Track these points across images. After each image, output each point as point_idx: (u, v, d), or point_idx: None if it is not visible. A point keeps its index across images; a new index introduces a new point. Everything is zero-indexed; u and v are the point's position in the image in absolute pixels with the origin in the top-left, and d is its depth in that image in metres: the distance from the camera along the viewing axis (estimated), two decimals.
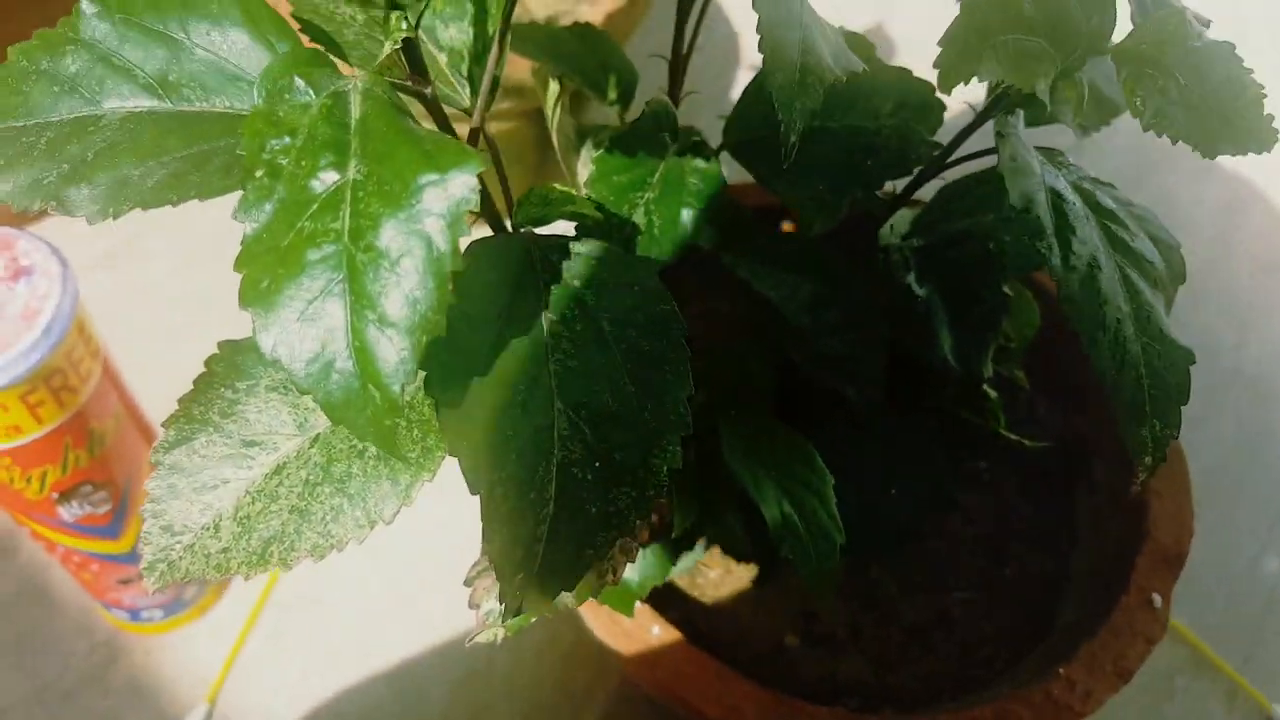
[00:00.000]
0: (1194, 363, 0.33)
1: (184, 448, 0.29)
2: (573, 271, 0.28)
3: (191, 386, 0.29)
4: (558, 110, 0.36)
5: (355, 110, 0.24)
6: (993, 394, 0.41)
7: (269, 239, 0.23)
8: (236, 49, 0.28)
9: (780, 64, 0.28)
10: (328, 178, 0.23)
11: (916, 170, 0.38)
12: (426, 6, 0.27)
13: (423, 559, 0.55)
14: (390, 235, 0.22)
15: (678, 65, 0.36)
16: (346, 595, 0.54)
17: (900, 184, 0.40)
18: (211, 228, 0.69)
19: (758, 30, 0.28)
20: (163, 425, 0.29)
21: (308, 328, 0.22)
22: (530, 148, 0.55)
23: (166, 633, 0.52)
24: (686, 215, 0.34)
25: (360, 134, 0.24)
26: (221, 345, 0.30)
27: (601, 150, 0.33)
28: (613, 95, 0.37)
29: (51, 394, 0.39)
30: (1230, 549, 0.59)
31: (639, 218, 0.33)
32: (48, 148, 0.27)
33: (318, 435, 0.29)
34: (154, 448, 0.29)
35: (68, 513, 0.44)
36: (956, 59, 0.29)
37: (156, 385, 0.49)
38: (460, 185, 0.22)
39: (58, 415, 0.40)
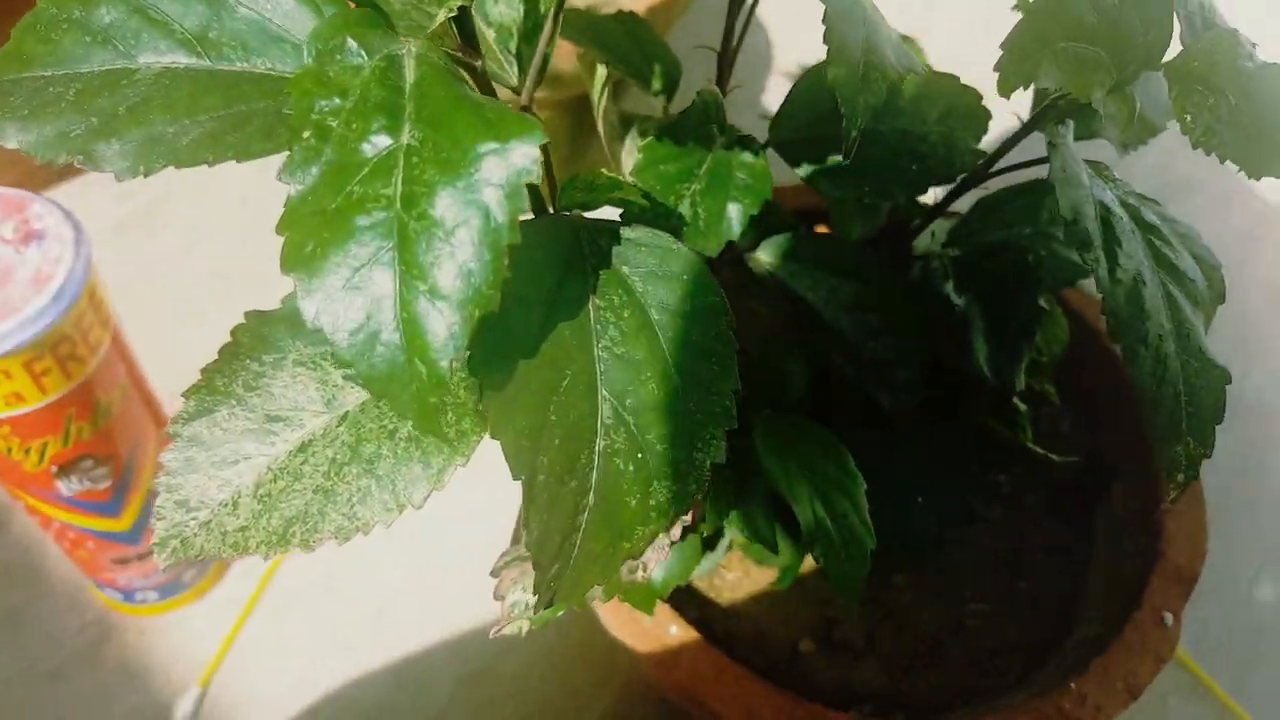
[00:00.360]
0: (1229, 383, 0.32)
1: (204, 420, 0.27)
2: (622, 257, 0.27)
3: (216, 356, 0.27)
4: (604, 96, 0.34)
5: (410, 74, 0.23)
6: (1022, 407, 0.40)
7: (315, 202, 0.22)
8: (282, 9, 0.27)
9: (844, 58, 0.27)
10: (380, 141, 0.22)
11: (959, 179, 0.37)
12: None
13: (441, 547, 0.54)
14: (446, 204, 0.21)
15: (726, 58, 0.35)
16: (357, 581, 0.53)
17: (940, 193, 0.39)
18: (229, 200, 0.67)
19: (824, 21, 0.27)
20: (183, 395, 0.27)
21: (354, 296, 0.21)
22: (563, 138, 0.54)
23: (161, 615, 0.51)
24: (733, 210, 0.32)
25: (416, 98, 0.22)
26: (249, 315, 0.28)
27: (650, 138, 0.32)
28: (658, 85, 0.36)
29: (58, 363, 0.37)
30: (1227, 575, 0.58)
31: (685, 209, 0.32)
32: (76, 99, 0.26)
33: (346, 414, 0.28)
34: (173, 419, 0.27)
35: (66, 487, 0.42)
36: (1018, 62, 0.28)
37: (165, 359, 0.47)
38: (522, 155, 0.21)
39: (62, 385, 0.38)
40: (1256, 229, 0.76)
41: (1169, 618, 0.42)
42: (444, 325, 0.21)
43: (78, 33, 0.27)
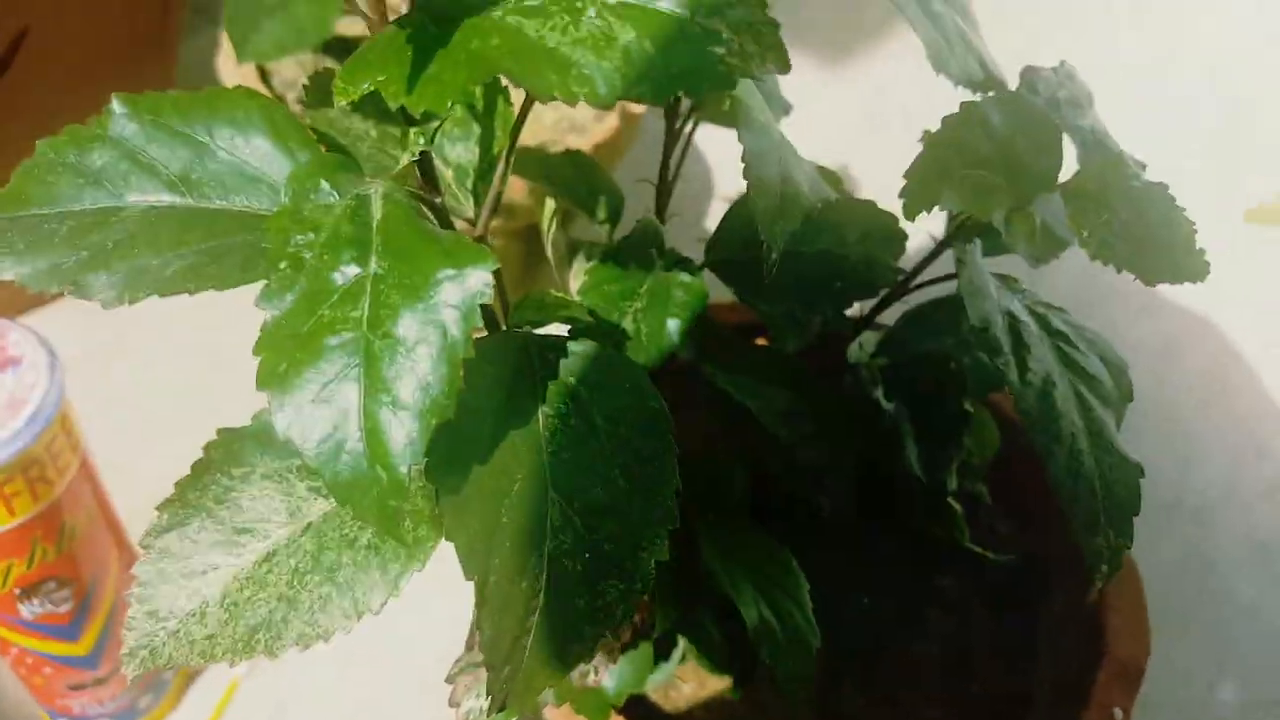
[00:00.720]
0: (1143, 476, 0.35)
1: (176, 532, 0.29)
2: (569, 369, 0.29)
3: (187, 472, 0.30)
4: (553, 225, 0.38)
5: (377, 211, 0.26)
6: (957, 508, 0.42)
7: (289, 326, 0.24)
8: (258, 154, 0.30)
9: (763, 190, 0.30)
10: (349, 271, 0.25)
11: (882, 293, 0.41)
12: (440, 125, 0.29)
13: (393, 666, 0.54)
14: (408, 324, 0.24)
15: (664, 190, 0.39)
16: (313, 709, 0.53)
17: (867, 307, 0.42)
18: (190, 331, 0.70)
19: (743, 160, 0.30)
20: (157, 509, 0.29)
21: (322, 409, 0.24)
22: (516, 264, 0.57)
23: None
24: (672, 325, 0.36)
25: (382, 232, 0.25)
26: (220, 432, 0.31)
27: (594, 262, 0.35)
28: (602, 215, 0.39)
29: (28, 485, 0.39)
30: (1184, 678, 0.60)
31: (628, 325, 0.35)
32: (69, 235, 0.29)
33: (309, 524, 0.30)
34: (146, 531, 0.29)
35: (28, 610, 0.43)
36: (920, 189, 0.32)
37: (126, 483, 0.49)
38: (477, 279, 0.24)
39: (30, 507, 0.40)
40: (1181, 335, 0.81)
41: (1119, 713, 0.44)
42: (404, 433, 0.23)
43: (72, 175, 0.30)
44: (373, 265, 0.25)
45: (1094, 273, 0.84)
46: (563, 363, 0.29)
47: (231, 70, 0.61)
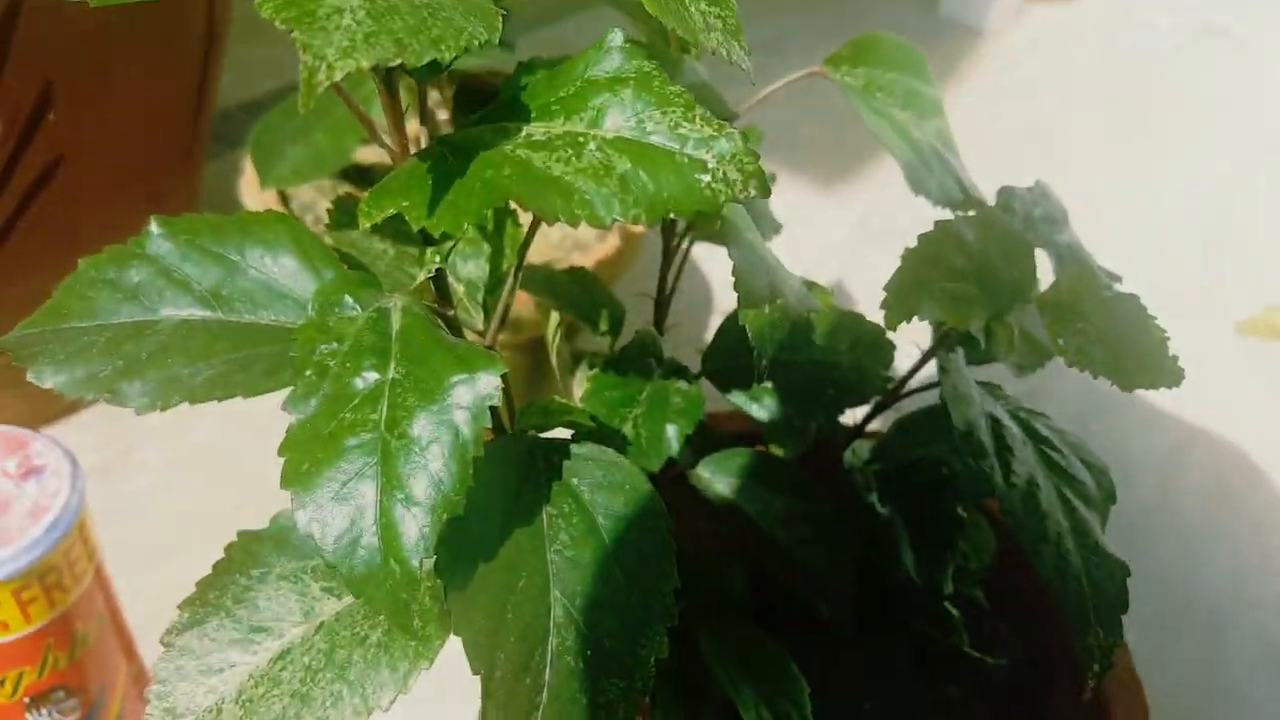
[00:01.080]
0: (1129, 574, 0.37)
1: (195, 631, 0.31)
2: (571, 470, 0.31)
3: (210, 571, 0.31)
4: (557, 336, 0.41)
5: (396, 323, 0.29)
6: (954, 612, 0.43)
7: (312, 428, 0.27)
8: (286, 271, 0.33)
9: (752, 301, 0.33)
10: (370, 377, 0.27)
11: (873, 401, 0.43)
12: (454, 246, 0.32)
13: None
14: (422, 425, 0.26)
15: (662, 302, 0.42)
16: None
17: (860, 414, 0.44)
18: (198, 448, 0.72)
19: (733, 274, 0.33)
20: (178, 607, 0.31)
21: (341, 506, 0.26)
22: (522, 375, 0.60)
23: None
24: (671, 431, 0.38)
25: (400, 342, 0.28)
26: (240, 534, 0.32)
27: (596, 370, 0.38)
28: (604, 327, 0.42)
29: (45, 591, 0.41)
30: None
31: (628, 430, 0.37)
32: (106, 346, 0.31)
33: (322, 623, 0.32)
34: (167, 629, 0.31)
35: None
36: (899, 301, 0.35)
37: (137, 593, 0.50)
38: (487, 384, 0.26)
39: (46, 614, 0.41)
40: (1183, 444, 0.83)
41: None
42: (416, 528, 0.25)
43: (111, 290, 0.32)
44: (391, 371, 0.27)
45: (1093, 385, 0.86)
46: (566, 464, 0.31)
47: (253, 193, 0.65)
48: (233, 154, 0.90)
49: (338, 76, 0.20)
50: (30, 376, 0.31)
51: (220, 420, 0.72)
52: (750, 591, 0.41)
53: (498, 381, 0.26)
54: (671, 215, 0.25)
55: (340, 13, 0.22)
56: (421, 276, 0.31)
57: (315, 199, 0.68)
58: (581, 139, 0.25)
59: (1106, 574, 0.37)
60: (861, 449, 0.45)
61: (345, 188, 0.66)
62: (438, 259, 0.31)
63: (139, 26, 0.57)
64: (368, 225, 0.27)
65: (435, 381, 0.26)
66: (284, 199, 0.67)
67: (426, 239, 0.31)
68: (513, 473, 0.31)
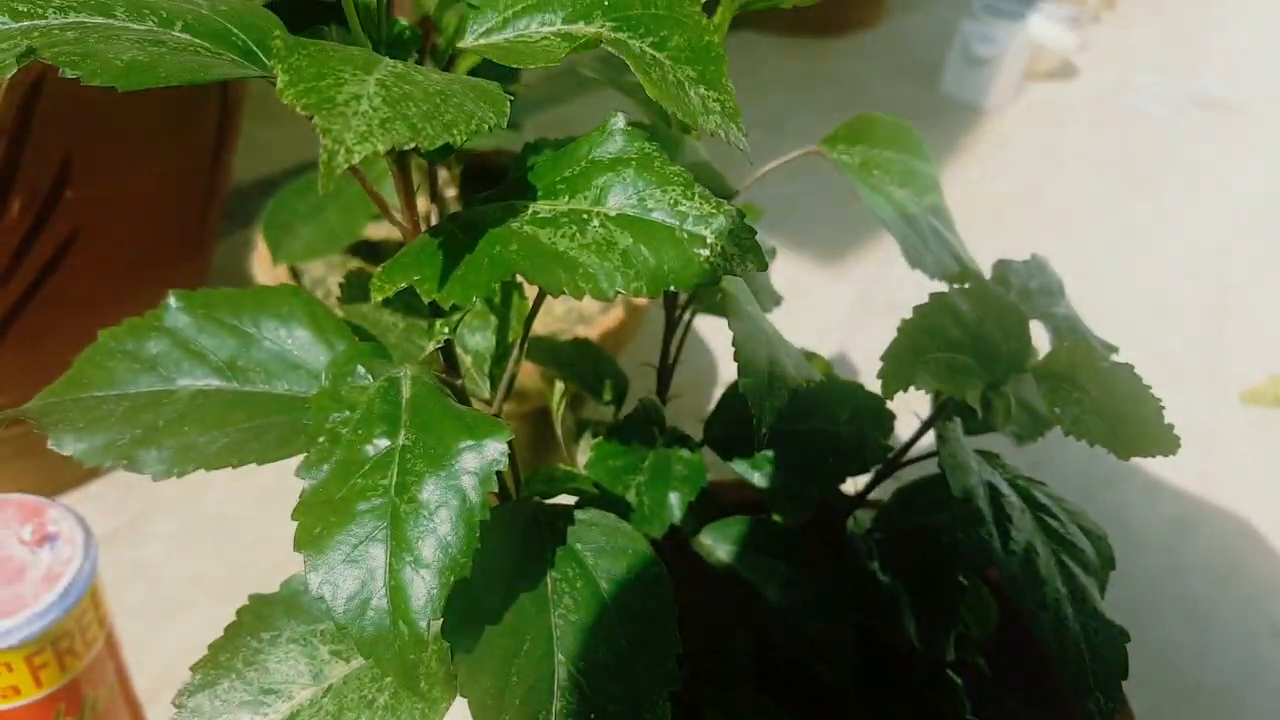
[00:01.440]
0: (1129, 640, 0.37)
1: (207, 693, 0.32)
2: (575, 535, 0.32)
3: (222, 633, 0.32)
4: (562, 405, 0.42)
5: (406, 392, 0.30)
6: (957, 679, 0.44)
7: (324, 493, 0.28)
8: (299, 343, 0.35)
9: (752, 370, 0.34)
10: (380, 444, 0.28)
11: (874, 470, 0.44)
12: (462, 318, 0.34)
13: None
14: (431, 489, 0.27)
15: (664, 373, 0.43)
16: None
17: (861, 483, 0.45)
18: (206, 517, 0.73)
19: (733, 344, 0.35)
20: (191, 669, 0.32)
21: (352, 569, 0.27)
22: (527, 446, 0.61)
23: None
24: (673, 498, 0.39)
25: (410, 410, 0.29)
26: (252, 598, 0.33)
27: (600, 439, 0.39)
28: (608, 396, 0.43)
29: (56, 657, 0.42)
30: None
31: (631, 497, 0.38)
32: (124, 415, 0.33)
33: (330, 685, 0.32)
34: (180, 690, 0.31)
35: None
36: (895, 370, 0.36)
37: (145, 658, 0.51)
38: (493, 450, 0.27)
39: (58, 679, 0.42)
40: (1186, 515, 0.83)
41: None
42: (424, 590, 0.26)
43: (129, 361, 0.34)
44: (401, 438, 0.28)
45: (1096, 456, 0.87)
46: (570, 530, 0.32)
47: (265, 269, 0.68)
48: (244, 230, 0.93)
49: (356, 160, 0.22)
50: (51, 444, 0.32)
51: (229, 491, 0.73)
52: (753, 658, 0.41)
53: (504, 448, 0.27)
54: (672, 288, 0.26)
55: (358, 99, 0.23)
56: (430, 347, 0.33)
57: (326, 274, 0.70)
58: (585, 216, 0.27)
59: (1106, 639, 0.37)
60: (863, 518, 0.46)
61: (355, 263, 0.68)
62: (446, 331, 0.32)
63: (156, 103, 0.59)
64: (379, 299, 0.28)
65: (444, 448, 0.28)
66: (295, 274, 0.70)
67: (436, 311, 0.32)
68: (518, 538, 0.32)
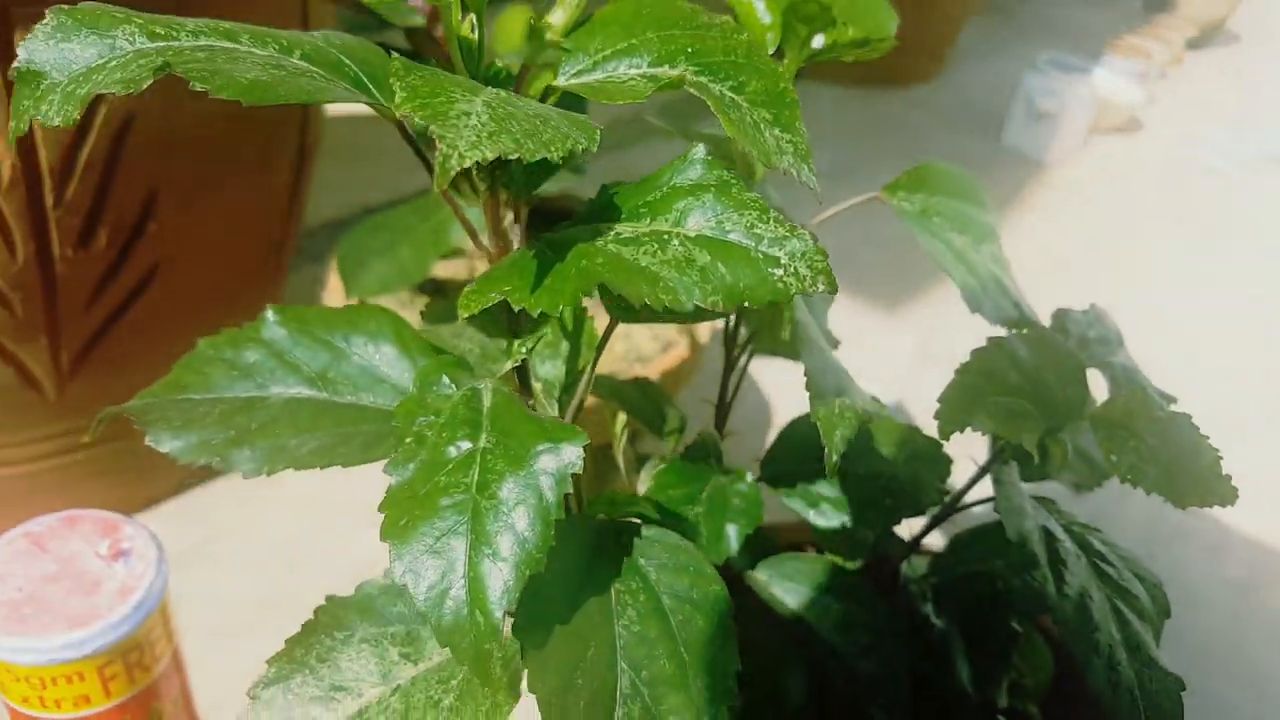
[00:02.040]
0: (1184, 689, 0.38)
1: (280, 686, 0.34)
2: (639, 550, 0.34)
3: (299, 629, 0.34)
4: (623, 438, 0.44)
5: (487, 400, 0.32)
6: None
7: (410, 489, 0.30)
8: (386, 359, 0.37)
9: (823, 400, 0.36)
10: (463, 445, 0.30)
11: (931, 513, 0.46)
12: (540, 339, 0.36)
13: None
14: (510, 488, 0.29)
15: (722, 409, 0.45)
16: None
17: (918, 527, 0.47)
18: (274, 540, 0.76)
19: (805, 374, 0.37)
20: (267, 663, 0.34)
21: (433, 559, 0.29)
22: (588, 476, 0.63)
23: None
24: (731, 530, 0.41)
25: (491, 416, 0.31)
26: (328, 599, 0.36)
27: (659, 468, 0.41)
28: (669, 427, 0.46)
29: (126, 669, 0.44)
30: None
31: (688, 531, 0.40)
32: (220, 417, 0.35)
33: (398, 686, 0.34)
34: (254, 683, 0.33)
35: None
36: (952, 413, 0.38)
37: (205, 678, 0.53)
38: (570, 453, 0.29)
39: (126, 690, 0.44)
40: (1252, 578, 0.81)
41: None
42: (501, 582, 0.28)
43: (226, 368, 0.37)
44: (483, 440, 0.30)
45: (1159, 513, 0.86)
46: (635, 543, 0.34)
47: (336, 302, 0.71)
48: (314, 267, 0.97)
49: (468, 163, 0.25)
50: (149, 440, 0.35)
51: (292, 516, 0.76)
52: (806, 696, 0.42)
53: (580, 452, 0.29)
54: (746, 303, 0.28)
55: (468, 115, 0.26)
56: (507, 366, 0.35)
57: (395, 308, 0.73)
58: (666, 236, 0.30)
59: (1161, 687, 0.38)
60: (919, 563, 0.47)
61: (421, 300, 0.71)
62: (524, 350, 0.35)
63: (239, 139, 0.63)
64: (465, 315, 0.31)
65: (523, 450, 0.30)
66: None
67: (515, 331, 0.35)
68: (585, 547, 0.34)
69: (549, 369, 0.42)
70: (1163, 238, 1.29)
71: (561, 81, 0.34)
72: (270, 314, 0.38)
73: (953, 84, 1.66)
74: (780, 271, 0.28)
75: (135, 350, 0.62)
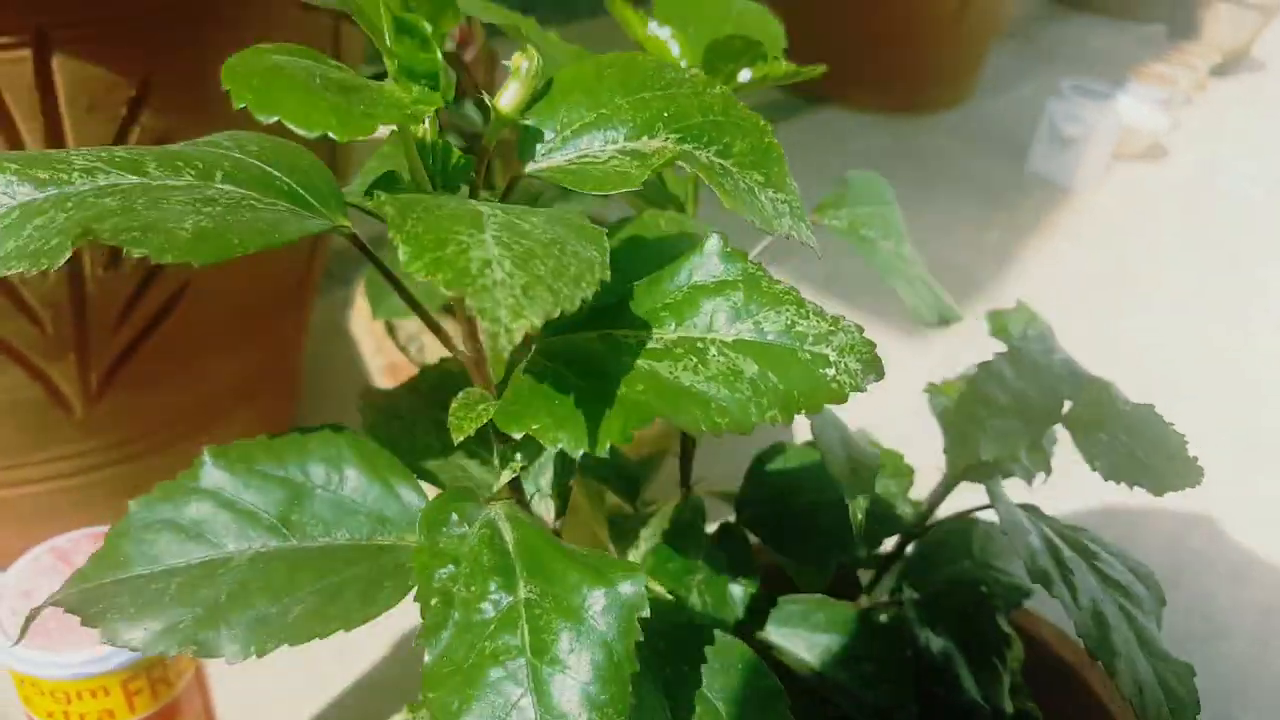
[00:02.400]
0: (1195, 675, 0.39)
1: None
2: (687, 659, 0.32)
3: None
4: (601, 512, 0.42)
5: (509, 536, 0.29)
6: None
7: (451, 661, 0.27)
8: (353, 486, 0.34)
9: (833, 458, 0.35)
10: (500, 599, 0.27)
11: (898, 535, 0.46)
12: (532, 461, 0.33)
13: None
14: (568, 646, 0.27)
15: (686, 463, 0.44)
16: None
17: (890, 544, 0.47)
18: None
19: (812, 432, 0.35)
20: None
21: None
22: None
23: None
24: (735, 591, 0.39)
25: (521, 557, 0.28)
26: None
27: (657, 543, 0.39)
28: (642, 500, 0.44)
29: (150, 684, 0.43)
30: None
31: (694, 600, 0.39)
32: (178, 593, 0.31)
33: None
34: None
35: None
36: (960, 447, 0.38)
37: (228, 699, 0.49)
38: (630, 591, 0.27)
39: (150, 706, 0.43)
40: (1275, 602, 0.80)
41: None
42: None
43: (169, 531, 0.32)
44: (522, 590, 0.28)
45: (1184, 542, 0.85)
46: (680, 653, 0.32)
47: (362, 324, 0.71)
48: (342, 289, 0.93)
49: (518, 339, 0.21)
50: (103, 638, 0.30)
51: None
52: None
53: (641, 589, 0.27)
54: (803, 412, 0.26)
55: (489, 265, 0.23)
56: (505, 478, 0.32)
57: (419, 330, 0.72)
58: (700, 345, 0.27)
59: (1175, 676, 0.39)
60: (886, 581, 0.47)
61: (448, 321, 0.67)
62: (524, 462, 0.32)
63: None
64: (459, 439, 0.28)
65: (575, 597, 0.27)
66: (391, 329, 0.72)
67: (502, 439, 0.32)
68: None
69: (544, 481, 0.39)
70: (1187, 264, 1.27)
71: (530, 168, 0.30)
72: (207, 457, 0.33)
73: (978, 110, 1.61)
74: (832, 371, 0.27)
75: (162, 370, 0.60)
